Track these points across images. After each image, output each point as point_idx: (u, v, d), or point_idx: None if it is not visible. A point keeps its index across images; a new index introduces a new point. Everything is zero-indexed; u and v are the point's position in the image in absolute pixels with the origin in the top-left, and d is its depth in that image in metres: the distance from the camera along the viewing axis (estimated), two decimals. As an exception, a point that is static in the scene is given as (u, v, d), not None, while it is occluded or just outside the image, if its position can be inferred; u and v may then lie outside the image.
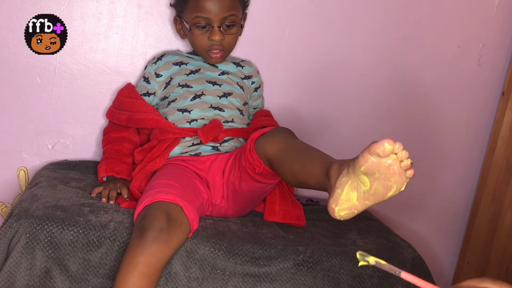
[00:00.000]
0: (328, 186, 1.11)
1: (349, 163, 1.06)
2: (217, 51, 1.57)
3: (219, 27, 1.52)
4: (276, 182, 1.43)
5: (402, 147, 1.00)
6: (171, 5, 1.64)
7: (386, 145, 0.98)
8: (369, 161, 1.00)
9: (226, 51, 1.59)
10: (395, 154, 1.00)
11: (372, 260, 0.93)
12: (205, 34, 1.54)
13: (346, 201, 1.06)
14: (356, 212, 1.07)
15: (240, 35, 1.63)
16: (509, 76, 1.89)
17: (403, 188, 1.04)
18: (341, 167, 1.08)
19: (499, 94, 1.93)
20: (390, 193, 1.04)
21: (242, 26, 1.60)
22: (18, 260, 1.20)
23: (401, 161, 1.01)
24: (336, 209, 1.06)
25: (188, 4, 1.53)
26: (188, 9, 1.53)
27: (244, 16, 1.62)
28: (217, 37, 1.53)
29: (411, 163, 1.01)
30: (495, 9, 1.86)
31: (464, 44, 1.87)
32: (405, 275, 0.89)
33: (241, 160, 1.34)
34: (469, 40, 1.88)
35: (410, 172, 1.02)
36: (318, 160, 1.18)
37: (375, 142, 1.00)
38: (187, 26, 1.54)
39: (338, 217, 1.07)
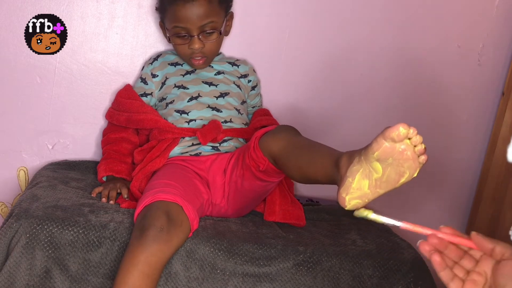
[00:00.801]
0: (337, 176, 1.10)
1: (360, 151, 1.05)
2: (198, 58, 1.56)
3: (198, 35, 1.51)
4: (279, 181, 1.43)
5: (416, 131, 0.99)
6: (156, 9, 1.63)
7: (401, 129, 0.97)
8: (383, 146, 0.99)
9: (208, 57, 1.58)
10: (409, 139, 0.99)
11: (370, 214, 0.97)
12: (185, 43, 1.53)
13: (357, 190, 1.04)
14: (367, 200, 1.05)
15: (227, 35, 1.62)
16: (509, 76, 1.89)
17: (415, 174, 1.03)
18: (352, 157, 1.07)
19: (499, 94, 1.93)
20: (403, 180, 1.03)
21: (221, 33, 1.56)
22: (18, 260, 1.20)
23: (415, 146, 1.00)
24: (347, 198, 1.05)
25: (167, 14, 1.53)
26: (167, 18, 1.53)
27: (230, 16, 1.60)
28: (196, 45, 1.52)
29: (425, 148, 1.01)
30: (495, 9, 1.86)
31: (464, 44, 1.87)
32: (405, 225, 0.93)
33: (244, 158, 1.34)
34: (469, 40, 1.88)
35: (423, 158, 1.01)
36: (326, 154, 1.17)
37: (389, 127, 0.99)
38: (168, 34, 1.54)
39: (348, 207, 1.05)
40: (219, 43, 1.58)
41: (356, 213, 0.99)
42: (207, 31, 1.52)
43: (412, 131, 0.99)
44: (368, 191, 1.04)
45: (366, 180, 1.04)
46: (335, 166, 1.11)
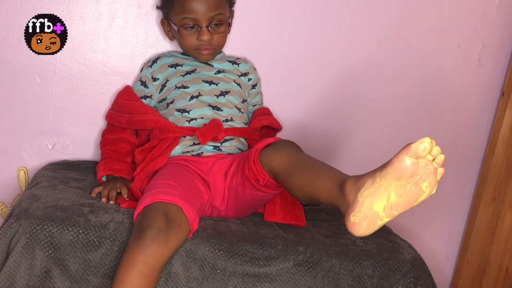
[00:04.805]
0: (343, 201, 1.07)
1: (374, 173, 1.02)
2: (206, 50, 1.57)
3: (207, 27, 1.52)
4: (279, 192, 1.43)
5: (436, 146, 0.98)
6: (157, 7, 1.64)
7: (427, 144, 0.96)
8: (407, 164, 0.97)
9: (215, 49, 1.59)
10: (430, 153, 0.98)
11: None
12: (194, 34, 1.54)
13: (369, 213, 1.01)
14: (380, 224, 1.02)
15: (228, 32, 1.62)
16: (509, 76, 1.89)
17: (434, 191, 1.00)
18: (360, 181, 1.04)
19: (499, 94, 1.93)
20: (421, 198, 1.01)
21: (230, 24, 1.59)
22: (18, 260, 1.20)
23: (434, 159, 0.98)
24: (359, 223, 1.02)
25: (175, 6, 1.53)
26: (174, 11, 1.53)
27: (231, 14, 1.61)
28: (205, 37, 1.53)
29: (444, 158, 0.99)
30: (495, 9, 1.86)
31: (464, 44, 1.87)
32: None
33: (244, 169, 1.34)
34: (469, 40, 1.88)
35: (441, 170, 0.99)
36: (329, 175, 1.15)
37: (411, 143, 0.96)
38: (175, 28, 1.54)
39: (360, 232, 1.02)
40: (225, 37, 1.59)
41: None
42: (215, 22, 1.53)
43: (435, 147, 0.97)
44: (383, 213, 1.01)
45: (381, 202, 1.00)
46: (339, 190, 1.09)
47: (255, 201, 1.43)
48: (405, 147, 0.98)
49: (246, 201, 1.42)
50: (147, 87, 1.62)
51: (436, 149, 0.98)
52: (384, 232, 1.50)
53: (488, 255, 1.90)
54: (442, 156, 0.98)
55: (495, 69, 1.91)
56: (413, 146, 0.96)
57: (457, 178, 1.99)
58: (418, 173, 0.98)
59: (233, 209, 1.45)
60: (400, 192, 1.00)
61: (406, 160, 0.97)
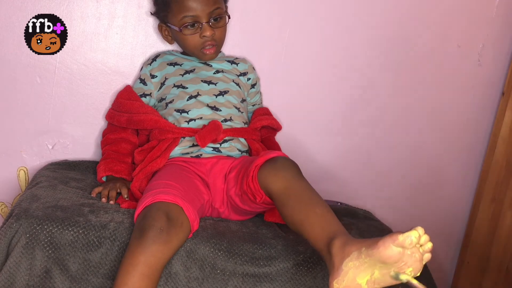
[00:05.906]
0: (329, 260, 1.09)
1: (360, 246, 1.03)
2: (210, 46, 1.57)
3: (207, 22, 1.52)
4: None
5: (425, 234, 0.98)
6: (151, 14, 1.63)
7: (413, 238, 0.96)
8: (392, 251, 0.98)
9: (218, 45, 1.59)
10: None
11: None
12: (196, 32, 1.54)
13: (353, 285, 1.03)
14: None
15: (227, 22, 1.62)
16: (509, 76, 1.89)
17: (418, 274, 1.01)
18: (346, 248, 1.05)
19: (499, 94, 1.93)
20: (405, 281, 1.02)
21: (229, 17, 1.59)
22: (18, 260, 1.20)
23: (421, 245, 0.99)
24: None
25: (172, 8, 1.53)
26: (172, 12, 1.53)
27: (226, 8, 1.62)
28: (208, 32, 1.53)
29: (432, 247, 0.99)
30: (495, 9, 1.87)
31: (464, 44, 1.87)
32: None
33: (243, 183, 1.34)
34: (469, 40, 1.88)
35: (428, 256, 1.00)
36: (320, 223, 1.16)
37: (398, 233, 0.97)
38: (176, 28, 1.54)
39: None
40: (225, 31, 1.59)
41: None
42: (215, 17, 1.53)
43: (424, 236, 0.98)
44: (366, 286, 1.03)
45: (364, 276, 1.03)
46: (327, 246, 1.10)
47: (254, 211, 1.44)
48: (393, 234, 0.98)
49: (245, 210, 1.42)
50: (146, 85, 1.62)
51: (424, 238, 0.99)
52: (384, 232, 1.49)
53: (488, 255, 1.90)
54: (429, 245, 0.99)
55: (495, 69, 1.91)
56: (400, 238, 0.97)
57: (457, 178, 1.99)
58: (403, 260, 0.99)
59: (233, 212, 1.45)
60: (384, 271, 1.02)
61: (392, 249, 0.98)
